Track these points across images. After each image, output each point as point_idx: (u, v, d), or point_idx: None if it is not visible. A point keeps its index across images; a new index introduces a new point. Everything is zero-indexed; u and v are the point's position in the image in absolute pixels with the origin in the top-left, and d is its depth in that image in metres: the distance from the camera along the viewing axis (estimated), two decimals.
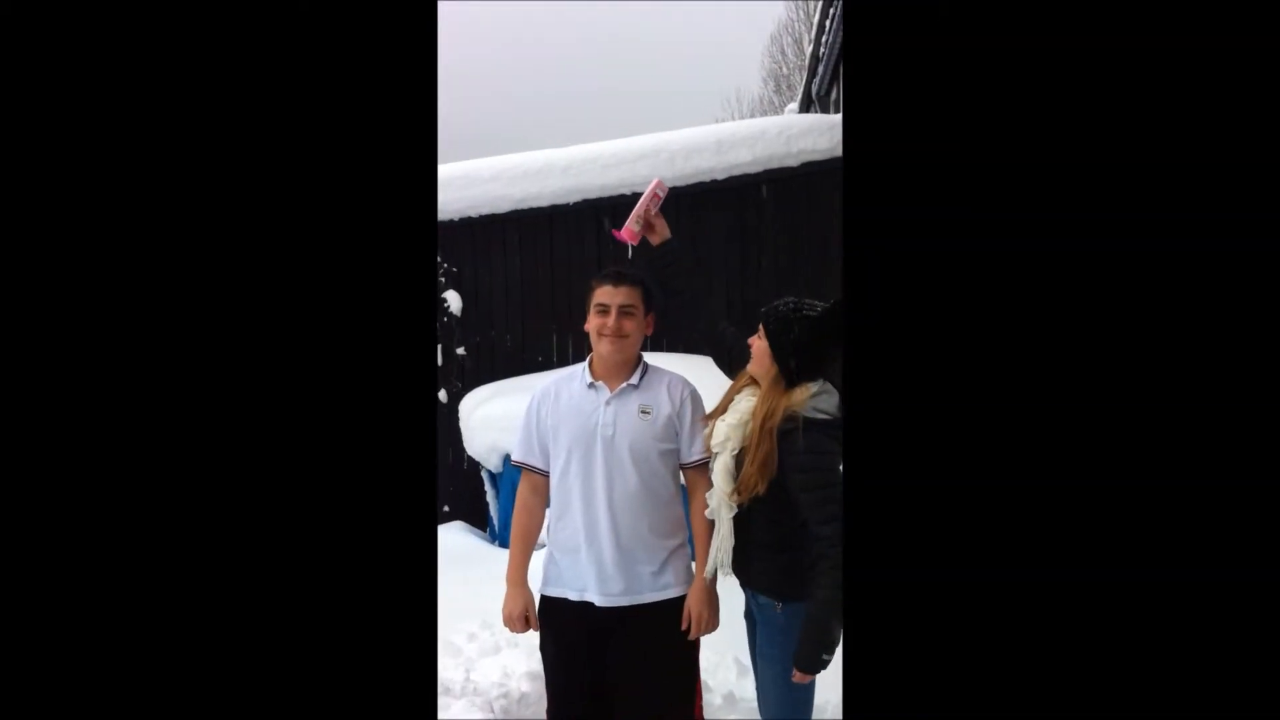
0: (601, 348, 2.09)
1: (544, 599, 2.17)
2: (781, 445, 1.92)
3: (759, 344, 2.03)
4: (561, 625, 2.12)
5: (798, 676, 1.93)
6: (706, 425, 2.11)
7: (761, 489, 1.92)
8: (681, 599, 2.10)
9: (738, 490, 1.96)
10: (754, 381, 2.07)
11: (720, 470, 2.01)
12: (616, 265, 2.21)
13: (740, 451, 1.97)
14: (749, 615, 2.15)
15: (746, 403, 2.03)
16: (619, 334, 2.07)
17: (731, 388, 2.14)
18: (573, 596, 2.10)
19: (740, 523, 2.01)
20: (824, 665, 1.89)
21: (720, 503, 2.01)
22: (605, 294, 2.09)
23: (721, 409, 2.11)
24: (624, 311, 2.07)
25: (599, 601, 2.05)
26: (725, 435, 2.02)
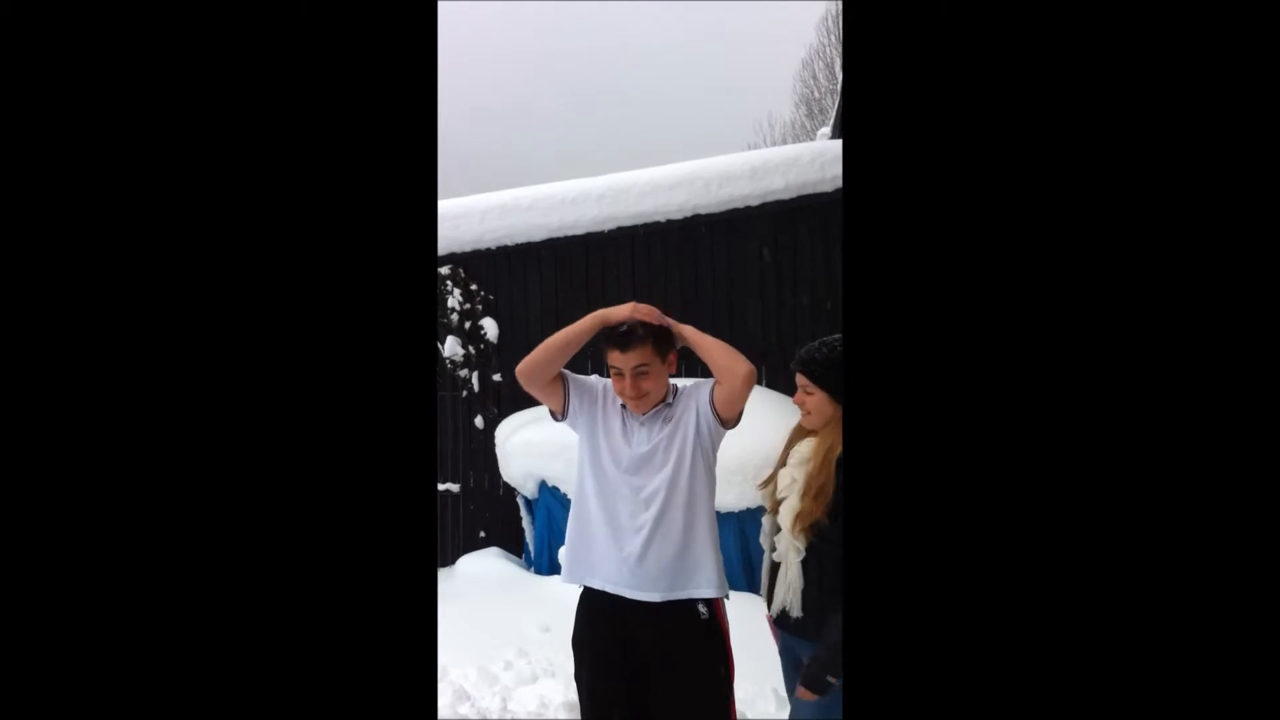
0: (627, 403, 2.13)
1: (584, 592, 2.17)
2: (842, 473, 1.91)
3: (813, 398, 2.02)
4: (597, 620, 2.12)
5: (801, 693, 1.91)
6: (766, 487, 2.10)
7: (819, 515, 1.90)
8: (713, 615, 2.08)
9: (798, 522, 1.93)
10: (808, 433, 2.05)
11: (787, 513, 1.98)
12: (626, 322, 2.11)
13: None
14: (786, 653, 2.12)
15: (807, 446, 2.03)
16: (638, 395, 2.08)
17: (786, 445, 2.12)
18: (610, 589, 2.09)
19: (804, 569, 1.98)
20: (829, 688, 1.87)
21: (788, 546, 1.98)
22: (616, 359, 2.08)
23: (781, 463, 2.10)
24: (638, 373, 2.07)
25: (630, 595, 2.05)
26: (790, 478, 2.00)
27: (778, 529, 2.03)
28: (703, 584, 2.07)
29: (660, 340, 2.09)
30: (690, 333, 2.12)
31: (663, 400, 2.13)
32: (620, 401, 2.15)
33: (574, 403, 2.17)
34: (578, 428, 2.19)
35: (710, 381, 2.10)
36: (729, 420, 2.09)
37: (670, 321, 2.12)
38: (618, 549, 2.07)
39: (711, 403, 2.07)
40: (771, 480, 2.11)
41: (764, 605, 2.11)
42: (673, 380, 2.20)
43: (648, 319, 2.08)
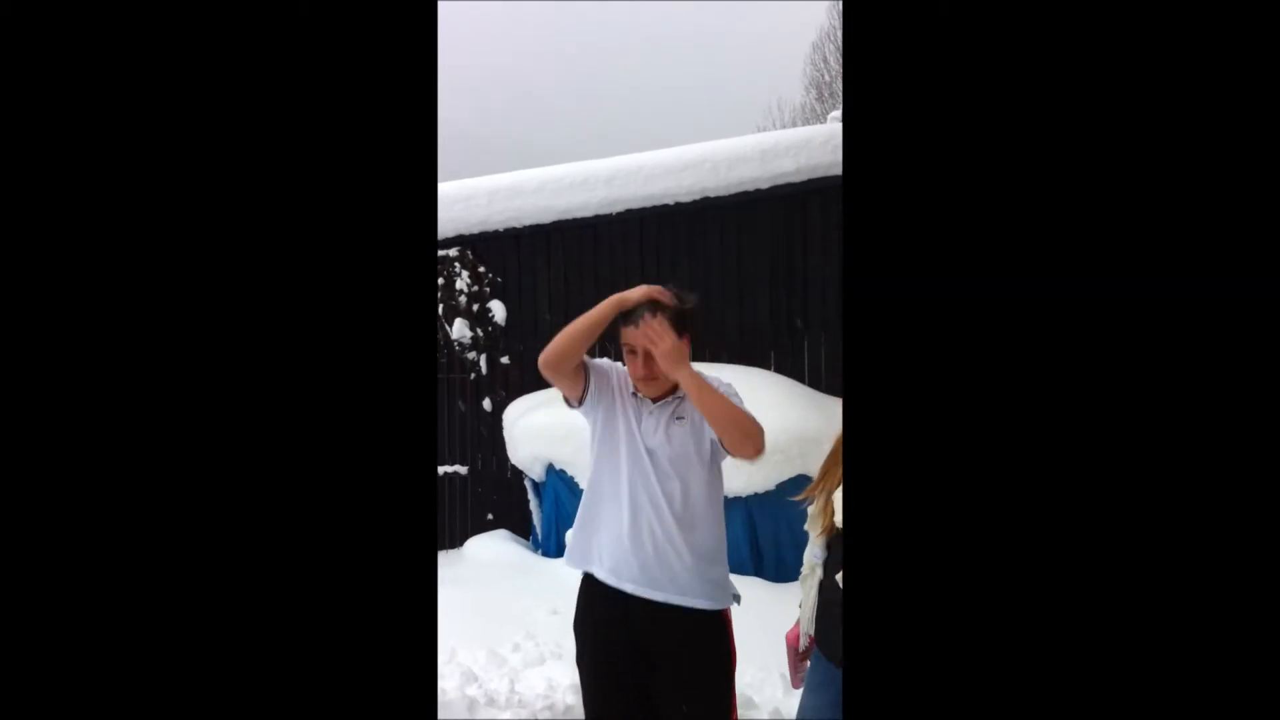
0: (636, 386, 2.10)
1: (586, 577, 2.15)
2: None
3: None
4: (599, 605, 2.11)
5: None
6: (809, 498, 1.91)
7: None
8: (718, 613, 2.07)
9: None
10: None
11: None
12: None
13: None
14: (830, 687, 1.85)
15: None
16: (650, 377, 2.04)
17: (834, 461, 1.86)
18: (611, 581, 2.08)
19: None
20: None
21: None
22: (630, 336, 2.05)
23: (830, 482, 1.82)
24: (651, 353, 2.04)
25: (633, 590, 2.04)
26: None
27: (836, 568, 1.76)
28: (715, 595, 2.05)
29: (676, 322, 2.05)
30: (694, 386, 1.93)
31: (674, 391, 2.09)
32: (632, 389, 2.13)
33: (593, 390, 2.13)
34: (594, 415, 2.16)
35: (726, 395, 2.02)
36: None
37: (680, 369, 1.96)
38: (626, 546, 2.06)
39: (724, 446, 2.02)
40: (819, 495, 1.85)
41: (758, 587, 2.05)
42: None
43: (660, 298, 2.05)
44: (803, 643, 1.97)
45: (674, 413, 2.07)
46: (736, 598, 2.13)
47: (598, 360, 2.18)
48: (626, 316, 2.06)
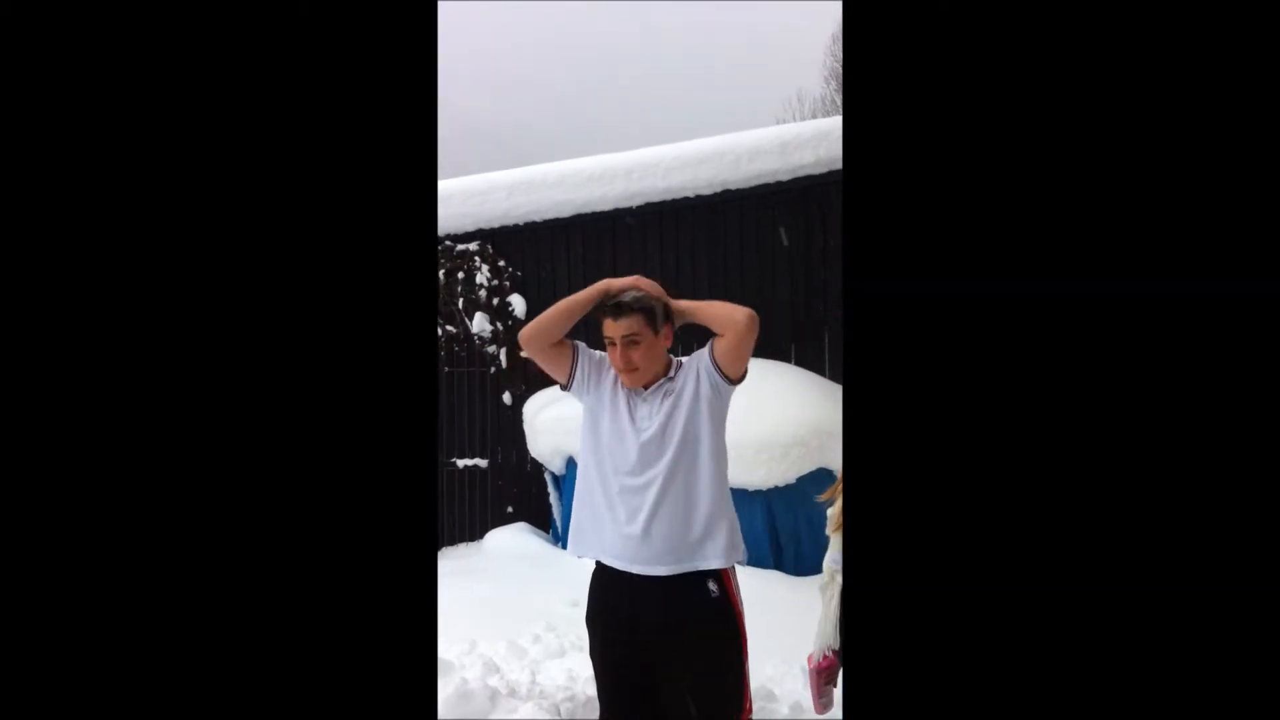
0: (620, 376, 2.13)
1: (595, 568, 2.16)
2: None
3: None
4: (608, 599, 2.12)
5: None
6: (831, 499, 1.86)
7: None
8: (725, 595, 2.06)
9: None
10: None
11: None
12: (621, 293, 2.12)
13: None
14: None
15: None
16: (629, 367, 2.07)
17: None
18: (618, 565, 2.08)
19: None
20: None
21: None
22: (608, 328, 2.09)
23: None
24: (629, 342, 2.06)
25: (636, 570, 2.04)
26: None
27: None
28: (710, 556, 2.05)
29: (653, 313, 2.08)
30: (686, 304, 2.13)
31: (665, 375, 2.12)
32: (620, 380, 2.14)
33: (580, 373, 2.17)
34: (584, 399, 2.19)
35: (706, 347, 2.08)
36: (733, 375, 2.07)
37: (669, 299, 2.13)
38: (621, 525, 2.07)
39: (713, 356, 2.05)
40: (842, 495, 1.87)
41: (778, 581, 2.02)
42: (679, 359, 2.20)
43: (649, 289, 2.10)
44: (818, 659, 1.88)
45: (665, 392, 2.09)
46: (741, 559, 2.11)
47: (595, 351, 2.21)
48: (603, 309, 2.09)
